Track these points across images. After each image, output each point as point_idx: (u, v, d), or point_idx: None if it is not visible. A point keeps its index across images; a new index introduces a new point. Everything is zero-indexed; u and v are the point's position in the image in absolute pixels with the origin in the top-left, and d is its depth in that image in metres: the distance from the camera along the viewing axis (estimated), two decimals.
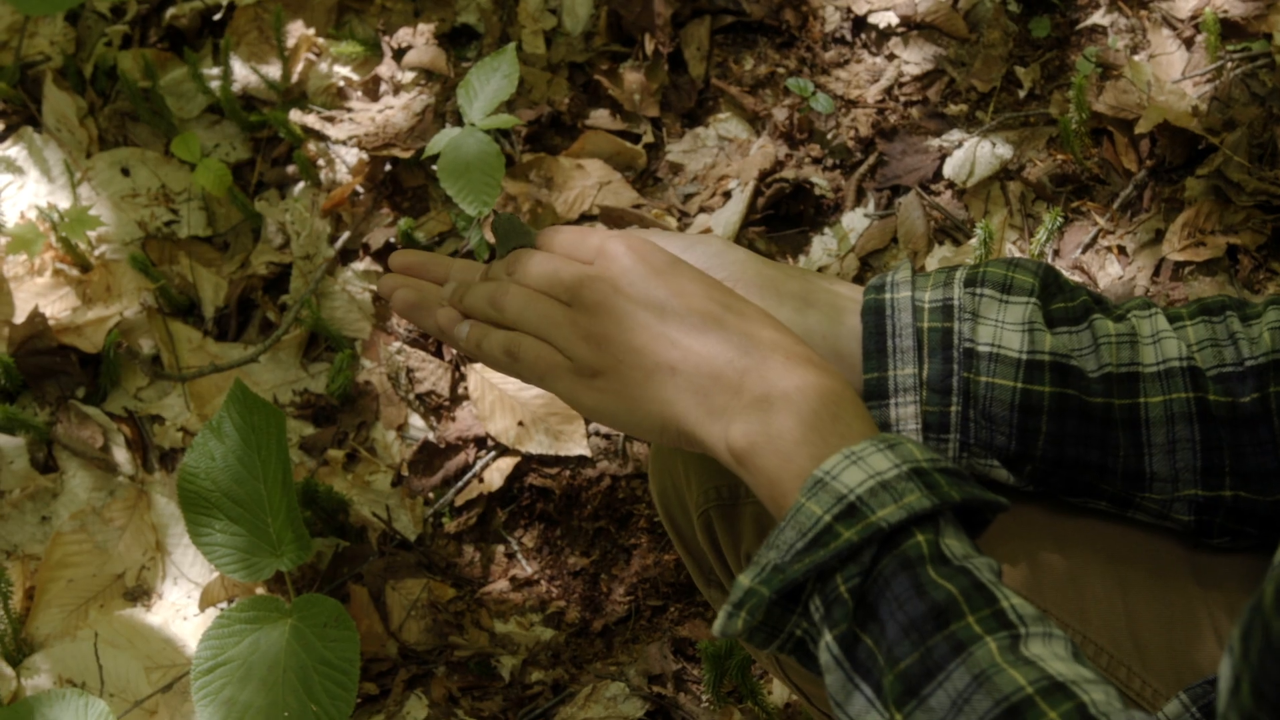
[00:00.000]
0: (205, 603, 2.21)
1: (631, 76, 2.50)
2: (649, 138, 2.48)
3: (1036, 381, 1.12)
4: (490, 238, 2.36)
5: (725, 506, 1.28)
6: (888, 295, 1.15)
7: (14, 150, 2.56)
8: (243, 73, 2.60)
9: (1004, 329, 1.13)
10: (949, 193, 2.31)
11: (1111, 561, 1.19)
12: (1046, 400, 1.12)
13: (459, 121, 2.32)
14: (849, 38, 2.49)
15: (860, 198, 2.35)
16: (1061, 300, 1.17)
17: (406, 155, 2.45)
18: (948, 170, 2.31)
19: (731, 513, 1.29)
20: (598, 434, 2.26)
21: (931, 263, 2.22)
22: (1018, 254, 2.21)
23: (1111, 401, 1.13)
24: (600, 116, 2.51)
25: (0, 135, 2.57)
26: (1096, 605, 1.17)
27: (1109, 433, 1.13)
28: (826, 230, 2.33)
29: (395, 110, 2.53)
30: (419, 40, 2.56)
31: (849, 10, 2.50)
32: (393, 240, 2.43)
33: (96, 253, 2.47)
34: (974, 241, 2.13)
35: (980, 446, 1.15)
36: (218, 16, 2.64)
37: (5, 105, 2.59)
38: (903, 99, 2.42)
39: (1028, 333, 1.13)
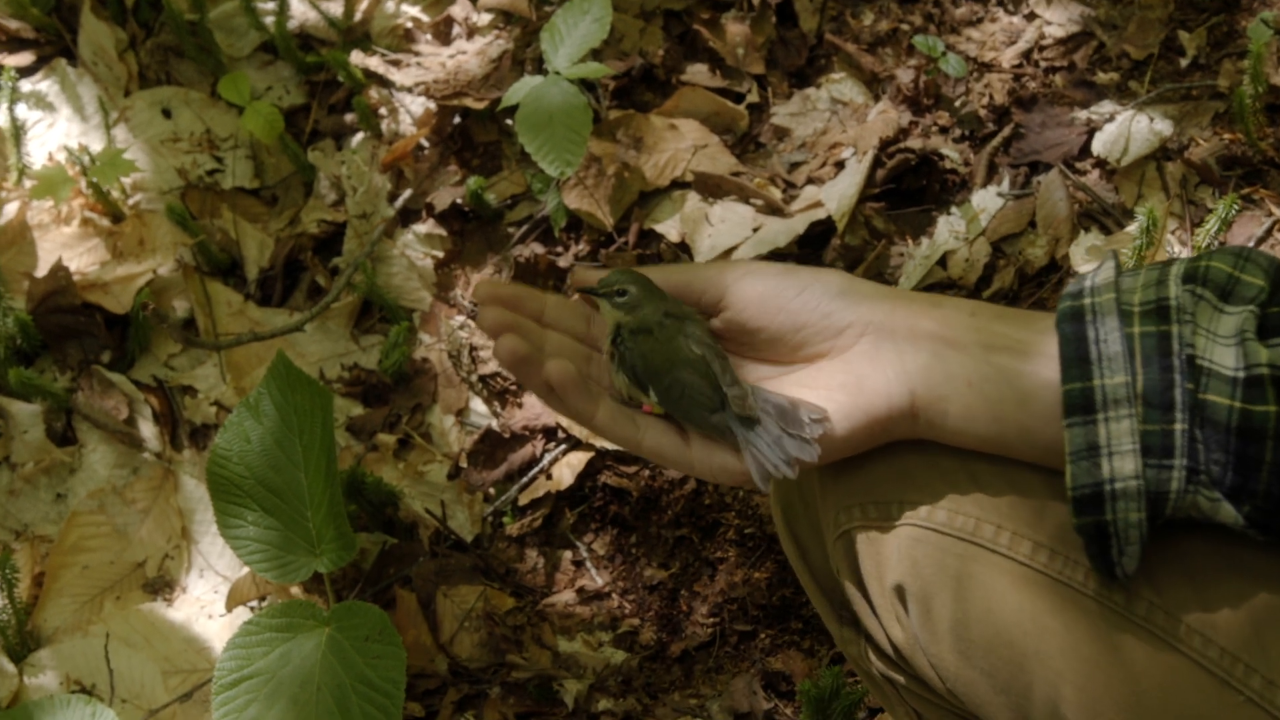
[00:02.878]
0: (233, 601, 1.96)
1: (735, 28, 2.22)
2: (752, 97, 2.20)
3: (1257, 400, 0.93)
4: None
5: (874, 527, 1.08)
6: (1087, 300, 0.99)
7: (45, 84, 2.30)
8: (301, 8, 2.34)
9: (1215, 342, 0.95)
10: (1096, 172, 2.02)
11: None
12: (1272, 422, 0.93)
13: (539, 70, 2.06)
14: None
15: (993, 174, 2.06)
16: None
17: (479, 106, 2.18)
18: (1097, 147, 2.01)
19: (881, 536, 1.08)
20: None
21: (1076, 251, 1.93)
22: (1177, 245, 1.91)
23: None
24: (698, 72, 2.23)
25: (31, 67, 2.32)
26: None
27: None
28: (953, 209, 2.04)
29: (468, 56, 2.26)
30: None
31: None
32: (460, 201, 2.16)
33: (130, 202, 2.21)
34: (1132, 228, 1.84)
35: (1207, 476, 0.95)
36: None
37: (38, 34, 2.34)
38: (1044, 64, 2.12)
39: (1239, 345, 0.95)
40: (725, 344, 1.13)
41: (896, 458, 1.08)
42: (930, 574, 1.03)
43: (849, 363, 1.07)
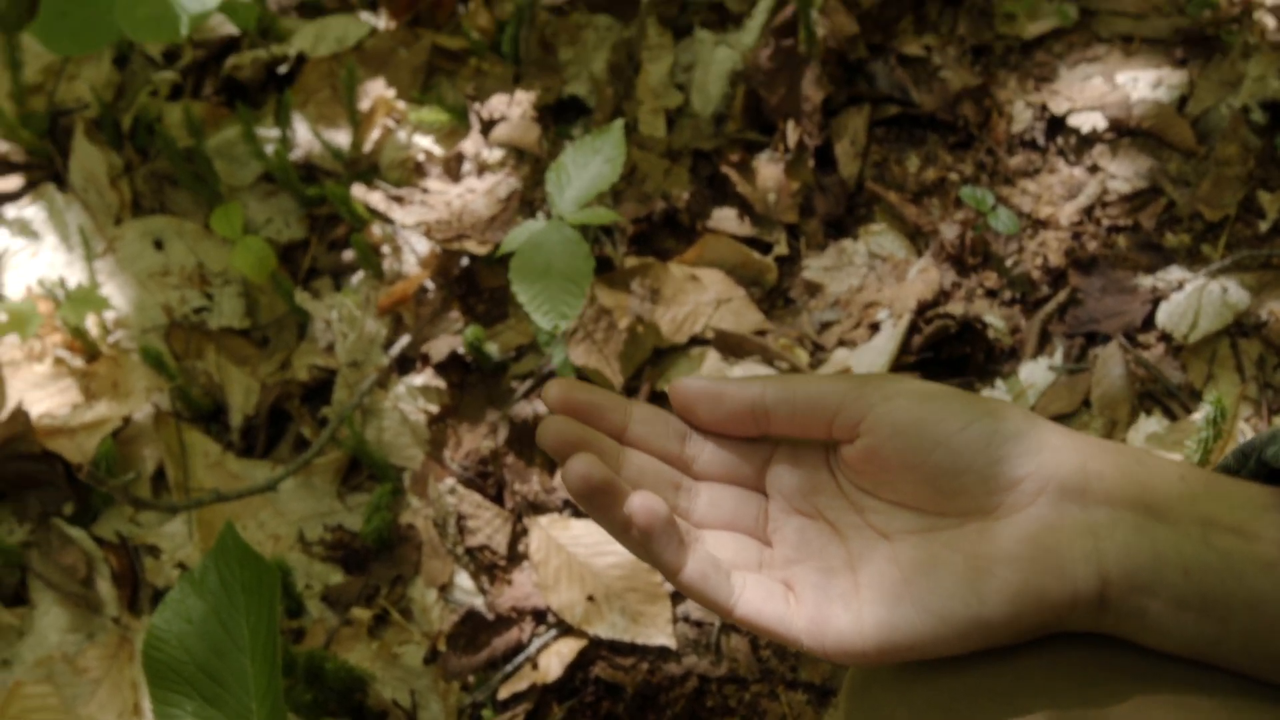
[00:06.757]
0: None
1: (768, 171, 2.04)
2: (782, 248, 2.00)
3: None
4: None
5: None
6: None
7: (31, 210, 2.16)
8: (307, 137, 2.19)
9: None
10: (1161, 346, 1.80)
11: None
12: None
13: (550, 213, 1.88)
14: (1041, 142, 1.99)
15: (1044, 344, 1.84)
16: None
17: (482, 251, 2.00)
18: (1162, 318, 1.79)
19: None
20: (686, 620, 1.78)
21: (1135, 437, 1.70)
22: (1251, 434, 1.68)
23: None
24: (725, 217, 2.04)
25: (18, 192, 2.18)
26: None
27: None
28: (999, 383, 1.82)
29: (477, 195, 2.09)
30: (514, 111, 2.12)
31: (1044, 108, 2.01)
32: (460, 350, 1.98)
33: (111, 339, 2.06)
34: (1197, 417, 1.62)
35: None
36: (284, 68, 2.23)
37: (29, 157, 2.21)
38: (1106, 223, 1.91)
39: None
40: (857, 480, 0.88)
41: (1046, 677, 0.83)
42: None
43: (1020, 528, 0.82)
